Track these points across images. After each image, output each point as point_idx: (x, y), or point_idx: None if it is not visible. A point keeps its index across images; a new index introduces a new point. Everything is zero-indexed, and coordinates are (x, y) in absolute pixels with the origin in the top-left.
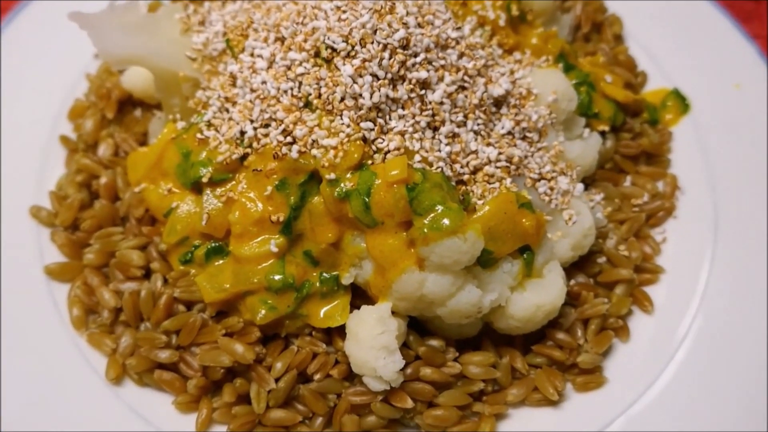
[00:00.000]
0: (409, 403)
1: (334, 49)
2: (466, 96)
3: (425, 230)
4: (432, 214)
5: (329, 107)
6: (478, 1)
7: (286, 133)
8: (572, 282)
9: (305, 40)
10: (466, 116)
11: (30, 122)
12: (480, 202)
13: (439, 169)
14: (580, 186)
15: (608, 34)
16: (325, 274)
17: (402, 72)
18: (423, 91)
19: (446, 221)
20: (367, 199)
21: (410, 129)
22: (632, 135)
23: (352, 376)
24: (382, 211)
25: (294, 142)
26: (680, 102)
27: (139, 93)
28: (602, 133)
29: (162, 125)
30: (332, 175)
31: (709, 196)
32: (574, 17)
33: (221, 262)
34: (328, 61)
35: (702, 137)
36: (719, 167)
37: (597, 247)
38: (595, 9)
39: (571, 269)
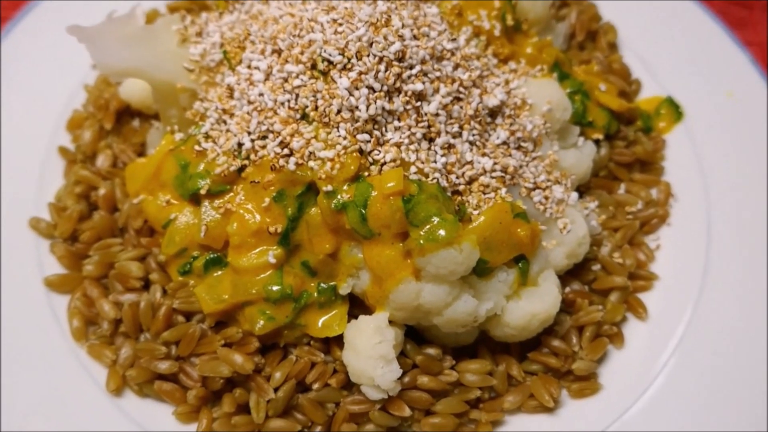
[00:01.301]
0: (407, 412)
1: (330, 62)
2: (461, 107)
3: (421, 242)
4: (428, 226)
5: (326, 119)
6: (474, 11)
7: (283, 145)
8: (567, 289)
9: (302, 53)
10: (461, 127)
11: (29, 133)
12: (475, 213)
13: (435, 180)
14: (575, 195)
15: (603, 43)
16: (322, 285)
17: (398, 84)
18: (419, 103)
19: (442, 232)
20: (363, 211)
21: (406, 140)
22: (626, 143)
23: (350, 385)
24: (379, 223)
25: (291, 154)
26: (673, 110)
27: (136, 103)
28: (596, 141)
29: (160, 135)
30: (329, 187)
31: (703, 203)
32: (569, 26)
33: (220, 273)
34: (325, 74)
35: (695, 144)
36: (712, 174)
37: (591, 254)
38: (590, 17)
39: (565, 276)
